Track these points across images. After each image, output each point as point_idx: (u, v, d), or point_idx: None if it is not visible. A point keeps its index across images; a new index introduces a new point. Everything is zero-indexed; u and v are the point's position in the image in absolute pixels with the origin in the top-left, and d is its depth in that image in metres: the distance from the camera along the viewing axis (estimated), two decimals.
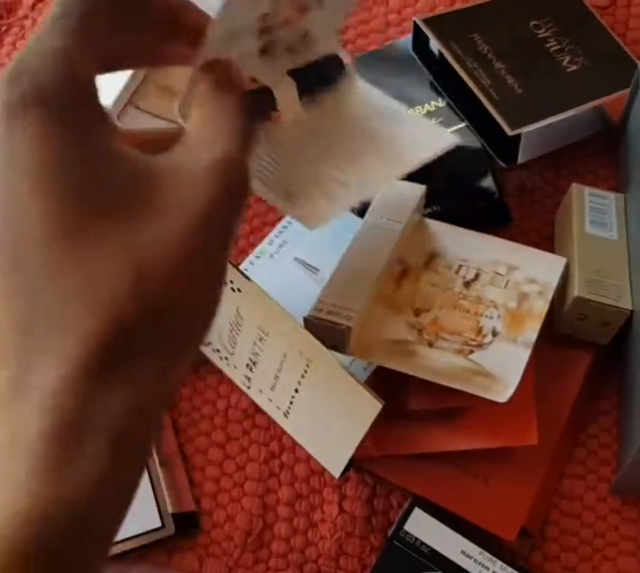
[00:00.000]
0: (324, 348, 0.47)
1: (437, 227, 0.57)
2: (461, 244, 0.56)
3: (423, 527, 0.51)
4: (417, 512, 0.51)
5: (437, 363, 0.50)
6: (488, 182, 0.60)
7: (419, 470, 0.52)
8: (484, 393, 0.49)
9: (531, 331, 0.51)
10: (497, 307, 0.53)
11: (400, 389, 0.53)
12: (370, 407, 0.46)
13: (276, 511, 0.55)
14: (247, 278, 0.50)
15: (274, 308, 0.49)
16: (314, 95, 0.46)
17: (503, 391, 0.49)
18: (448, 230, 0.57)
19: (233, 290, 0.51)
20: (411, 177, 0.61)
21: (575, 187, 0.60)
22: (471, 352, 0.51)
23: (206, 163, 0.32)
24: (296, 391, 0.50)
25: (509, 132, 0.58)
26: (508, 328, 0.52)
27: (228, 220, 0.33)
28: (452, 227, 0.57)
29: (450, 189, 0.61)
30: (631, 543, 0.53)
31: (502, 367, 0.50)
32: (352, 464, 0.53)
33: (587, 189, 0.60)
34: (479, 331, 0.52)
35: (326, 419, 0.50)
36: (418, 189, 0.56)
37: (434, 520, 0.51)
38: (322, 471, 0.55)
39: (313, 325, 0.50)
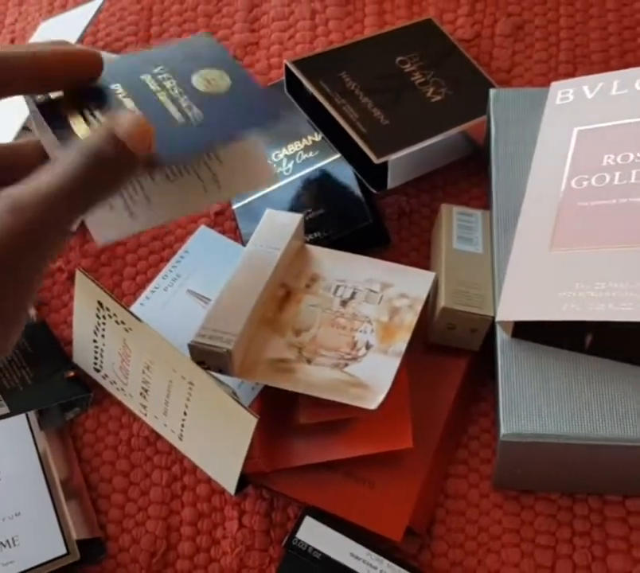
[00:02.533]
0: (201, 370, 0.51)
1: (318, 252, 0.61)
2: (339, 267, 0.60)
3: (314, 534, 0.54)
4: (308, 521, 0.54)
5: (315, 378, 0.54)
6: (362, 209, 0.65)
7: (310, 481, 0.56)
8: (357, 402, 0.53)
9: (401, 342, 0.55)
10: (371, 322, 0.57)
11: (289, 405, 0.57)
12: (246, 422, 0.49)
13: (180, 531, 0.58)
14: (137, 318, 0.53)
15: (156, 338, 0.52)
16: None
17: (374, 399, 0.52)
18: (328, 254, 0.61)
19: (117, 323, 0.54)
20: (292, 206, 0.66)
21: (444, 207, 0.64)
22: (346, 365, 0.55)
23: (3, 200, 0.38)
24: (185, 414, 0.54)
25: (376, 160, 0.62)
26: (380, 340, 0.55)
27: (18, 255, 0.39)
28: (332, 251, 0.61)
29: (329, 216, 0.65)
30: (514, 535, 0.57)
31: (374, 377, 0.54)
32: (248, 481, 0.56)
33: (455, 208, 0.64)
34: (354, 345, 0.56)
35: (214, 438, 0.53)
36: (295, 218, 0.60)
37: (324, 526, 0.54)
38: (223, 490, 0.58)
39: (197, 350, 0.54)
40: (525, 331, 0.52)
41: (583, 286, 0.49)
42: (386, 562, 0.53)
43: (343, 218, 0.65)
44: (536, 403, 0.50)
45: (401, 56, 0.71)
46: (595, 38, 0.75)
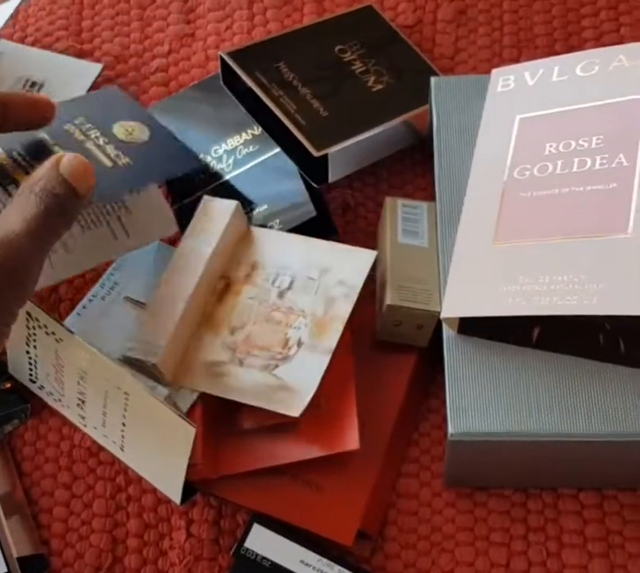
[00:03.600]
0: (135, 381, 0.49)
1: (262, 235, 0.59)
2: (280, 251, 0.58)
3: (263, 542, 0.52)
4: (257, 528, 0.53)
5: (244, 382, 0.53)
6: (306, 202, 0.63)
7: (257, 487, 0.54)
8: (281, 409, 0.51)
9: (332, 337, 0.54)
10: (305, 316, 0.55)
11: (232, 408, 0.55)
12: (185, 432, 0.47)
13: (126, 543, 0.56)
14: (67, 329, 0.51)
15: (87, 348, 0.50)
16: None
17: (298, 405, 0.51)
18: (271, 237, 0.59)
19: (47, 334, 0.52)
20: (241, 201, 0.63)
21: (388, 200, 0.63)
22: (277, 366, 0.53)
23: None
24: (123, 424, 0.52)
25: (315, 153, 0.60)
26: (313, 336, 0.54)
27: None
28: (277, 233, 0.59)
29: (273, 211, 0.63)
30: (468, 534, 0.56)
31: (302, 379, 0.52)
32: (195, 489, 0.55)
33: (399, 201, 0.63)
34: (286, 343, 0.54)
35: (154, 448, 0.51)
36: (231, 204, 0.58)
37: (273, 533, 0.52)
38: (169, 499, 0.56)
39: (128, 362, 0.52)
40: (471, 327, 0.51)
41: (528, 279, 0.48)
42: (337, 567, 0.51)
43: (287, 212, 0.63)
44: (484, 401, 0.49)
45: (341, 45, 0.69)
46: (539, 21, 0.74)
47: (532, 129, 0.53)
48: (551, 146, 0.51)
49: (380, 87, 0.67)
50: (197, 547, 0.55)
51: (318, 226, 0.65)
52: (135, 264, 0.62)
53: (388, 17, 0.73)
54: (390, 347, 0.58)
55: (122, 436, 0.52)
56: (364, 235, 0.66)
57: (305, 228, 0.63)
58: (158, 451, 0.51)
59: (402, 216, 0.62)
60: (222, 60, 0.65)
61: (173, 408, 0.47)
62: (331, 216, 0.66)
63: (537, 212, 0.50)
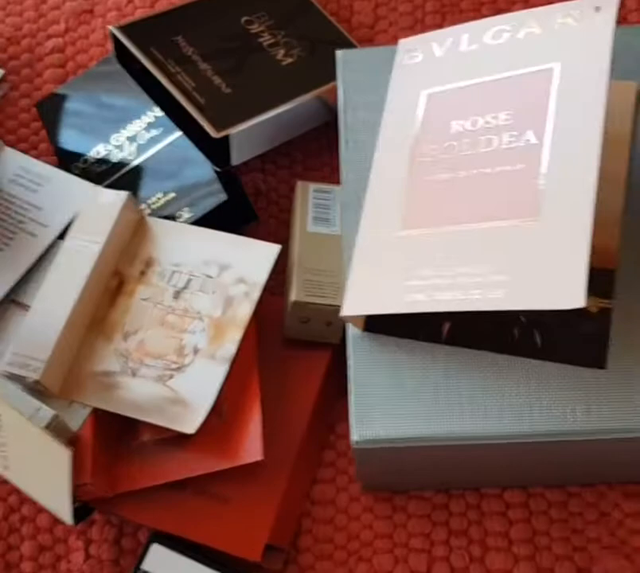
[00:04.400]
0: (5, 403, 0.44)
1: (158, 227, 0.54)
2: (178, 245, 0.54)
3: (162, 562, 0.49)
4: (155, 548, 0.49)
5: (137, 395, 0.48)
6: (215, 186, 0.58)
7: (157, 503, 0.50)
8: (175, 425, 0.47)
9: (231, 343, 0.49)
10: (202, 319, 0.51)
11: (129, 421, 0.51)
12: (61, 455, 0.43)
13: (19, 568, 0.52)
14: None
15: None
16: None
17: (192, 421, 0.47)
18: (168, 229, 0.54)
19: None
20: (140, 193, 0.58)
21: (299, 184, 0.58)
22: (171, 377, 0.49)
23: None
24: (3, 444, 0.47)
25: (215, 135, 0.56)
26: (211, 341, 0.50)
27: None
28: (175, 225, 0.55)
29: (181, 198, 0.58)
30: (386, 541, 0.52)
31: (198, 391, 0.48)
32: (91, 508, 0.51)
33: (311, 185, 0.58)
34: (181, 351, 0.50)
35: (36, 469, 0.47)
36: (118, 197, 0.53)
37: (174, 553, 0.49)
38: None
39: (9, 378, 0.48)
40: (378, 325, 0.47)
41: (431, 272, 0.44)
42: None
43: (197, 198, 0.58)
44: (390, 404, 0.45)
45: (247, 16, 0.63)
46: None
47: (439, 105, 0.49)
48: (458, 124, 0.47)
49: (290, 60, 0.62)
50: (96, 569, 0.51)
51: (235, 212, 0.60)
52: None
53: None
54: (302, 344, 0.54)
55: (5, 456, 0.48)
56: (278, 222, 0.62)
57: (219, 215, 0.59)
58: (40, 472, 0.46)
59: (313, 202, 0.57)
60: (113, 35, 0.60)
61: (45, 431, 0.43)
62: (249, 202, 0.61)
63: (444, 197, 0.45)
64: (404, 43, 0.52)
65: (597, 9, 0.44)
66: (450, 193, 0.45)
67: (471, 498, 0.53)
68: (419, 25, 0.68)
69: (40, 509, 0.53)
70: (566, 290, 0.39)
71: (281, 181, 0.63)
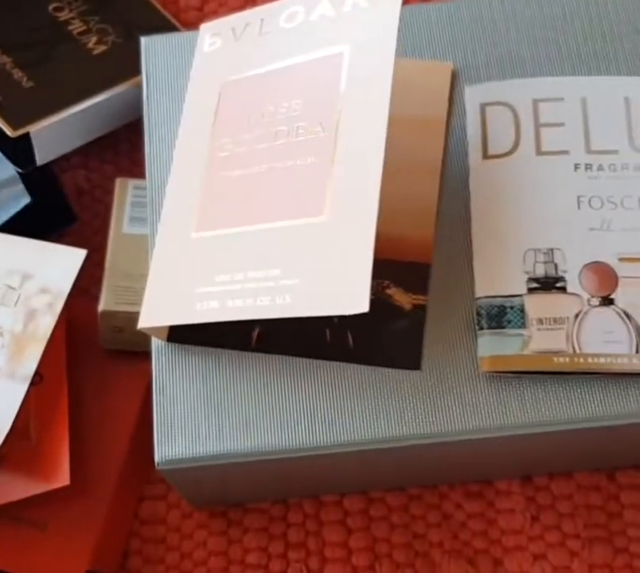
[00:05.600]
0: None
1: None
2: None
3: None
4: None
5: None
6: (18, 187, 0.54)
7: None
8: None
9: (31, 360, 0.46)
10: (3, 335, 0.47)
11: None
12: None
13: None
14: None
15: None
16: None
17: None
18: None
19: None
20: None
21: (118, 181, 0.54)
22: None
23: None
24: None
25: (11, 133, 0.51)
26: (10, 359, 0.46)
27: None
28: None
29: None
30: (221, 558, 0.49)
31: None
32: None
33: (131, 182, 0.54)
34: None
35: None
36: None
37: None
38: None
39: None
40: (181, 334, 0.44)
41: (224, 277, 0.41)
42: None
43: (1, 201, 0.54)
44: (194, 421, 0.42)
45: (57, 3, 0.59)
46: None
47: (235, 95, 0.45)
48: (252, 116, 0.44)
49: (103, 48, 0.57)
50: None
51: (49, 214, 0.56)
52: None
53: None
54: (123, 355, 0.51)
55: None
56: (103, 222, 0.58)
57: (28, 219, 0.55)
58: None
59: (131, 201, 0.54)
60: None
61: None
62: (69, 201, 0.57)
63: (238, 195, 0.42)
64: (206, 27, 0.49)
65: None
66: (244, 191, 0.42)
67: (309, 507, 0.50)
68: (250, 6, 0.65)
69: None
70: (350, 294, 0.36)
71: (106, 177, 0.59)
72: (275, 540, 0.50)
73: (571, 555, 0.50)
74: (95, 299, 0.53)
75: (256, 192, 0.42)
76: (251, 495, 0.50)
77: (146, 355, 0.51)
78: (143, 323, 0.43)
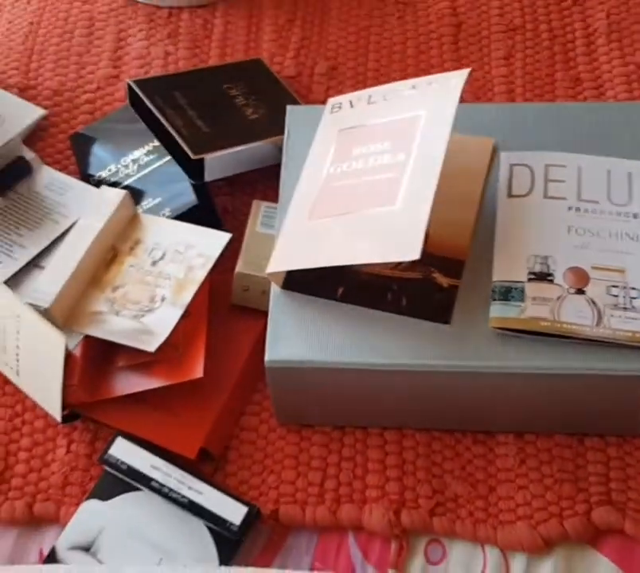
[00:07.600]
0: (23, 302, 0.63)
1: (146, 220, 0.76)
2: (159, 231, 0.74)
3: (123, 451, 0.66)
4: (119, 441, 0.66)
5: (117, 327, 0.68)
6: (189, 195, 0.79)
7: (123, 409, 0.68)
8: (141, 345, 0.66)
9: (186, 296, 0.69)
10: (170, 279, 0.70)
11: (110, 348, 0.70)
12: (57, 342, 0.62)
13: (17, 456, 0.69)
14: None
15: None
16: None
17: (154, 344, 0.66)
18: (154, 221, 0.75)
19: None
20: (137, 198, 0.79)
21: (254, 202, 0.79)
22: (143, 316, 0.68)
23: None
24: (18, 347, 0.66)
25: (193, 156, 0.77)
26: (174, 294, 0.69)
27: None
28: (158, 218, 0.76)
29: (164, 203, 0.79)
30: (292, 460, 0.69)
31: (161, 325, 0.68)
32: (78, 414, 0.68)
33: (263, 204, 0.79)
34: (153, 299, 0.69)
35: (38, 365, 0.65)
36: (119, 194, 0.74)
37: (132, 445, 0.66)
38: (57, 424, 0.70)
39: (33, 307, 0.67)
40: (292, 284, 0.66)
41: (328, 245, 0.63)
42: (179, 471, 0.65)
43: (175, 203, 0.79)
44: (297, 336, 0.63)
45: (228, 84, 0.86)
46: (396, 78, 0.92)
47: (346, 137, 0.70)
48: (356, 149, 0.68)
49: (256, 116, 0.84)
50: (73, 460, 0.68)
51: (203, 217, 0.81)
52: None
53: (275, 69, 0.91)
54: (246, 310, 0.73)
55: (17, 360, 0.66)
56: (239, 234, 0.81)
57: (191, 218, 0.79)
58: (40, 367, 0.65)
59: (262, 214, 0.78)
60: (129, 86, 0.82)
61: (48, 322, 0.61)
62: (217, 211, 0.81)
63: (341, 197, 0.66)
64: (331, 100, 0.74)
65: (451, 78, 0.66)
66: (345, 193, 0.66)
67: (359, 435, 0.70)
68: None
69: (38, 416, 0.70)
70: (411, 247, 0.58)
71: (244, 203, 0.83)
72: (333, 453, 0.69)
73: (545, 488, 0.67)
74: (232, 271, 0.76)
75: (353, 194, 0.65)
76: (323, 418, 0.69)
77: (262, 313, 0.73)
78: (270, 269, 0.65)
